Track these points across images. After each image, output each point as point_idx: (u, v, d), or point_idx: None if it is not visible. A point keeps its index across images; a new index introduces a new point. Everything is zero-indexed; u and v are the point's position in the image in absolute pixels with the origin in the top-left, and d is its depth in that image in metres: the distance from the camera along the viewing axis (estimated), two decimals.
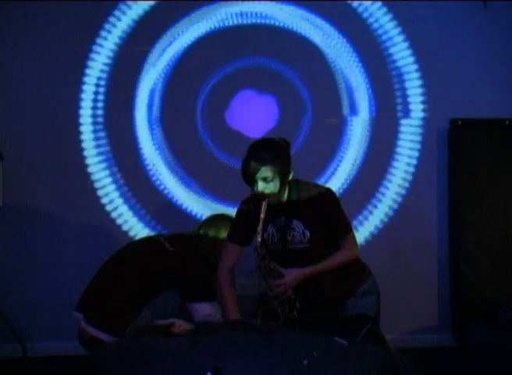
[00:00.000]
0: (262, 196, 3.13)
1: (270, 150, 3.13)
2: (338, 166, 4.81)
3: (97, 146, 4.75)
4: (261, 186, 3.11)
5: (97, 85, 4.75)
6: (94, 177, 4.75)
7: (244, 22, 4.80)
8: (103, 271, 3.55)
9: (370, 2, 4.82)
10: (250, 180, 3.13)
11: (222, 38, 4.79)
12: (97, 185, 4.75)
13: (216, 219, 3.73)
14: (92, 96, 4.75)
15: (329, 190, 3.33)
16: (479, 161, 4.74)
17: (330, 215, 3.22)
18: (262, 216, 3.11)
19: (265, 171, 3.10)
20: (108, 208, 4.75)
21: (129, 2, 4.75)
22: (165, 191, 4.78)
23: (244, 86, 4.80)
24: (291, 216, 3.22)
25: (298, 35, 4.81)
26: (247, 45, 4.81)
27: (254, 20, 4.80)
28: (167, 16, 4.77)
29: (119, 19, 4.75)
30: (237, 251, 3.35)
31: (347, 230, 3.29)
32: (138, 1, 4.74)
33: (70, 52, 4.72)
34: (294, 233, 3.23)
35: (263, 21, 4.80)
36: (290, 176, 3.20)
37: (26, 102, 4.72)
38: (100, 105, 4.75)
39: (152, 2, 4.75)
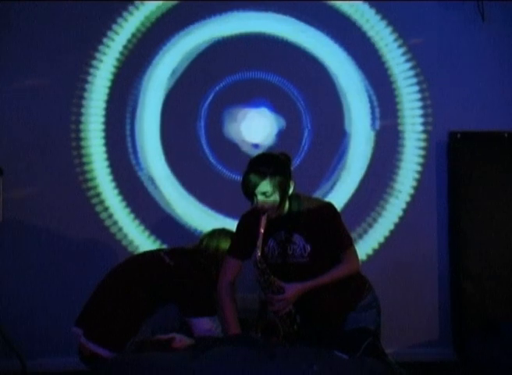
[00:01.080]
0: (262, 210, 3.13)
1: (270, 164, 3.14)
2: (338, 180, 4.81)
3: (97, 160, 4.75)
4: (260, 200, 3.12)
5: (97, 99, 4.75)
6: (93, 192, 4.74)
7: (245, 34, 4.81)
8: (103, 286, 3.55)
9: (370, 16, 4.84)
10: (250, 195, 3.14)
11: (222, 51, 4.80)
12: (96, 200, 4.74)
13: (217, 234, 3.73)
14: (92, 110, 4.75)
15: (330, 204, 3.33)
16: (479, 174, 4.74)
17: (331, 229, 3.22)
18: (262, 230, 3.12)
19: (265, 185, 3.10)
20: (108, 222, 4.74)
21: (131, 8, 4.76)
22: (165, 205, 4.77)
23: (245, 99, 4.81)
24: (292, 230, 3.23)
25: (299, 48, 4.82)
26: (247, 58, 4.82)
27: (255, 32, 4.81)
28: (167, 28, 4.78)
29: (121, 27, 4.77)
30: (237, 265, 3.35)
31: (348, 244, 3.28)
32: (139, 11, 4.77)
33: (71, 65, 4.72)
34: (295, 247, 3.23)
35: (265, 34, 4.81)
36: (291, 191, 3.20)
37: (25, 117, 4.72)
38: (100, 119, 4.76)
39: (153, 15, 4.77)
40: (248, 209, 3.31)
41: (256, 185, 3.11)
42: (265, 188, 3.11)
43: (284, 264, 3.26)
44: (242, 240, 3.33)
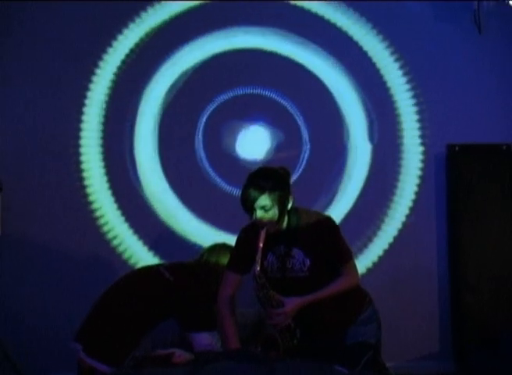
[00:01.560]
0: (261, 225, 3.13)
1: (269, 179, 3.14)
2: (337, 193, 4.81)
3: (97, 175, 4.75)
4: (259, 214, 3.12)
5: (97, 114, 4.76)
6: (92, 206, 4.74)
7: (244, 50, 4.83)
8: (102, 301, 3.54)
9: (367, 30, 4.85)
10: (249, 209, 3.14)
11: (221, 65, 4.82)
12: (95, 214, 4.74)
13: (217, 248, 3.73)
14: (91, 126, 4.76)
15: (329, 217, 3.33)
16: (477, 186, 4.74)
17: (330, 242, 3.22)
18: (261, 244, 3.11)
19: (264, 199, 3.10)
20: (107, 236, 4.74)
21: (131, 24, 4.79)
22: (164, 220, 4.77)
23: (244, 114, 4.83)
24: (291, 244, 3.22)
25: (297, 63, 4.84)
26: (246, 73, 4.84)
27: (254, 48, 4.83)
28: (166, 43, 4.80)
29: (120, 43, 4.78)
30: (236, 280, 3.34)
31: (347, 258, 3.28)
32: (138, 27, 4.79)
33: (69, 80, 4.74)
34: (294, 261, 3.23)
35: (263, 49, 4.83)
36: (290, 205, 3.20)
37: (25, 132, 4.74)
38: (99, 134, 4.76)
39: (151, 31, 4.79)
40: (247, 223, 3.31)
41: (255, 199, 3.11)
42: (264, 202, 3.11)
43: (283, 278, 3.25)
44: (241, 254, 3.32)
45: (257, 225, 3.15)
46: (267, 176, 3.16)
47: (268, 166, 3.36)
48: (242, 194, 3.16)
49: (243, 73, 4.84)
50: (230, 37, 4.82)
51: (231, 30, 4.82)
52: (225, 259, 3.53)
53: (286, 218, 3.22)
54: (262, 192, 3.10)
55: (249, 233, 3.29)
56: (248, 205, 3.13)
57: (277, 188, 3.12)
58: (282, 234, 3.23)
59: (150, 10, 4.80)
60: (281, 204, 3.13)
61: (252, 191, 3.11)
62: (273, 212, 3.12)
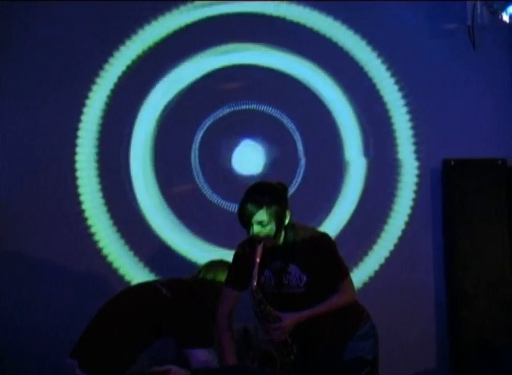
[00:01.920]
0: (258, 240, 3.13)
1: (266, 194, 3.14)
2: (333, 208, 4.81)
3: (92, 191, 4.75)
4: (256, 229, 3.12)
5: (93, 130, 4.76)
6: (88, 222, 4.73)
7: (240, 65, 4.84)
8: (99, 317, 3.53)
9: (362, 47, 4.88)
10: (246, 224, 3.14)
11: (217, 81, 4.83)
12: (91, 230, 4.72)
13: (215, 265, 3.73)
14: (87, 142, 4.76)
15: (326, 234, 3.34)
16: (473, 200, 4.75)
17: (327, 259, 3.22)
18: (258, 259, 3.11)
19: (261, 215, 3.11)
20: (105, 251, 4.72)
21: (127, 42, 4.80)
22: (160, 236, 4.76)
23: (240, 129, 4.83)
24: (287, 260, 3.22)
25: (294, 79, 4.84)
26: (242, 89, 4.84)
27: (250, 64, 4.84)
28: (162, 60, 4.81)
29: (116, 60, 4.79)
30: (234, 296, 3.34)
31: (344, 275, 3.28)
32: (135, 44, 4.80)
33: (66, 98, 4.74)
34: (290, 277, 3.23)
35: (259, 65, 4.84)
36: (287, 221, 3.20)
37: (21, 150, 4.73)
38: (94, 150, 4.76)
39: (147, 49, 4.81)
40: (244, 239, 3.31)
41: (252, 214, 3.11)
42: (261, 218, 3.11)
43: (280, 294, 3.25)
44: (238, 270, 3.32)
45: (254, 240, 3.16)
46: (264, 191, 3.16)
47: (266, 181, 3.36)
48: (239, 208, 3.17)
49: (239, 88, 4.85)
50: (227, 54, 4.82)
51: (227, 47, 4.83)
52: (222, 276, 3.52)
53: (283, 233, 3.22)
54: (259, 207, 3.10)
55: (246, 248, 3.29)
56: (245, 220, 3.13)
57: (274, 203, 3.12)
58: (278, 250, 3.23)
59: (147, 27, 4.81)
60: (278, 219, 3.14)
61: (249, 206, 3.11)
62: (270, 228, 3.12)
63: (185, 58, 4.81)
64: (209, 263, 3.77)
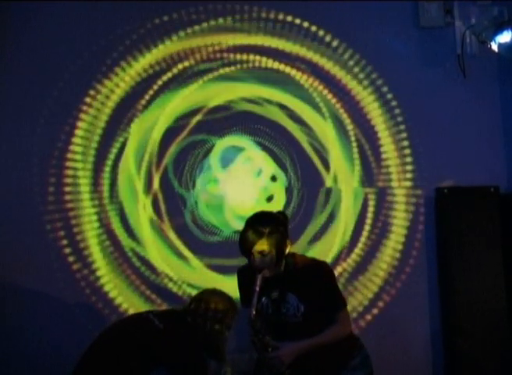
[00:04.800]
0: (258, 269, 3.14)
1: (267, 223, 3.17)
2: (325, 235, 4.80)
3: (89, 214, 4.74)
4: (257, 259, 3.13)
5: (83, 153, 4.77)
6: (83, 253, 4.72)
7: (229, 101, 4.88)
8: (92, 348, 3.52)
9: (353, 75, 4.92)
10: (247, 252, 3.16)
11: (207, 115, 4.86)
12: (86, 261, 4.71)
13: (205, 294, 3.72)
14: (77, 165, 4.76)
15: (325, 263, 3.36)
16: (466, 228, 4.74)
17: (325, 288, 3.23)
18: (257, 288, 3.12)
19: (262, 244, 3.13)
20: (102, 281, 4.71)
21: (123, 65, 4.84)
22: (158, 265, 4.75)
23: (232, 160, 4.85)
24: (286, 289, 3.23)
25: (284, 107, 4.88)
26: (234, 119, 4.87)
27: (239, 97, 4.88)
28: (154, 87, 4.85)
29: (115, 85, 4.83)
30: None
31: (341, 305, 3.29)
32: (131, 68, 4.84)
33: (56, 121, 4.75)
34: (288, 306, 3.24)
35: (247, 97, 4.88)
36: (287, 250, 3.21)
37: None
38: (88, 173, 4.76)
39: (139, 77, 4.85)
40: (243, 265, 3.33)
41: (253, 244, 3.14)
42: (262, 247, 3.13)
43: (277, 322, 3.26)
44: (246, 292, 3.33)
45: (254, 269, 3.17)
46: (266, 221, 3.19)
47: (267, 211, 3.39)
48: (240, 237, 3.19)
49: (230, 119, 4.87)
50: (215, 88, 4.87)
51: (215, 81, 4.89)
52: (214, 305, 3.52)
53: (283, 262, 3.24)
54: (261, 236, 3.13)
55: (245, 274, 3.32)
56: (246, 249, 3.16)
57: (275, 233, 3.14)
58: (277, 279, 3.25)
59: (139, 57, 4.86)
60: (278, 249, 3.16)
61: (251, 235, 3.14)
62: (270, 257, 3.14)
63: (178, 88, 4.85)
64: (201, 292, 3.77)
